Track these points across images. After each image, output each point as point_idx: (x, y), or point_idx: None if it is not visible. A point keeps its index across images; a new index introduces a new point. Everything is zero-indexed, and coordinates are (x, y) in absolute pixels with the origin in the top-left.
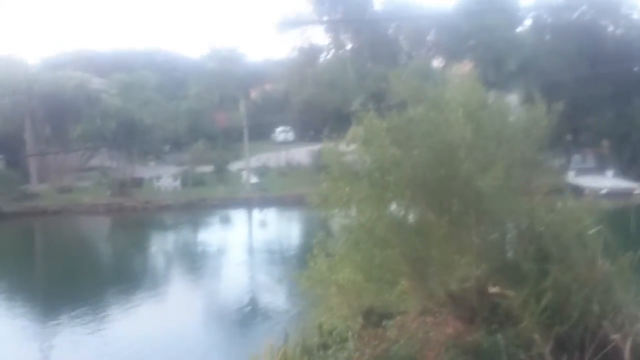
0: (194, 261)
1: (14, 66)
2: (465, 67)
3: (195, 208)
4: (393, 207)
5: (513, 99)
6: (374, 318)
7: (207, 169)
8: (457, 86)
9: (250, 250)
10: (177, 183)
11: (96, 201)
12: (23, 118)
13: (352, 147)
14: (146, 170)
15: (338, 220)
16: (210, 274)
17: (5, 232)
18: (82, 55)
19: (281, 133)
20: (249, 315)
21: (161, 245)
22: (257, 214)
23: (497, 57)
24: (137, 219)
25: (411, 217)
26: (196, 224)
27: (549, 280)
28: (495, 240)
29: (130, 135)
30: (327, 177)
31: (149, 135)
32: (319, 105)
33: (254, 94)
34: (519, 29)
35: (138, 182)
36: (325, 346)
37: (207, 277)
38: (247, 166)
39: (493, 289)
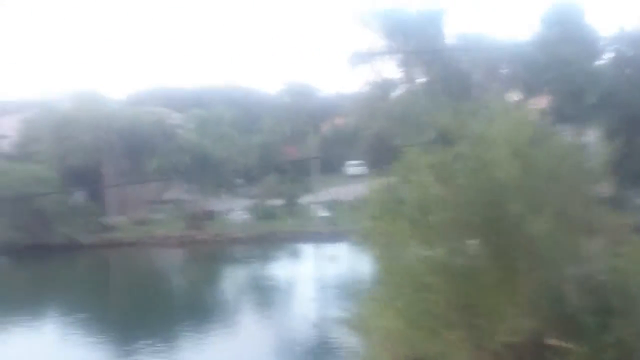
0: (263, 295)
1: (96, 102)
2: (541, 101)
3: (265, 241)
4: (437, 249)
5: (592, 133)
6: None
7: (278, 202)
8: (505, 121)
9: (319, 285)
10: (248, 216)
11: (169, 234)
12: (102, 152)
13: (395, 184)
14: (218, 203)
15: (380, 262)
16: (278, 309)
17: (83, 263)
18: (162, 92)
19: (352, 167)
20: (315, 352)
21: (231, 279)
22: (326, 248)
23: (576, 90)
24: (208, 252)
25: (458, 261)
26: (266, 258)
27: (611, 335)
28: (551, 288)
29: (203, 168)
30: (368, 215)
31: (222, 169)
32: (390, 139)
33: (325, 128)
34: (598, 62)
35: (210, 215)
36: None
37: (275, 311)
38: (317, 200)
39: (551, 341)
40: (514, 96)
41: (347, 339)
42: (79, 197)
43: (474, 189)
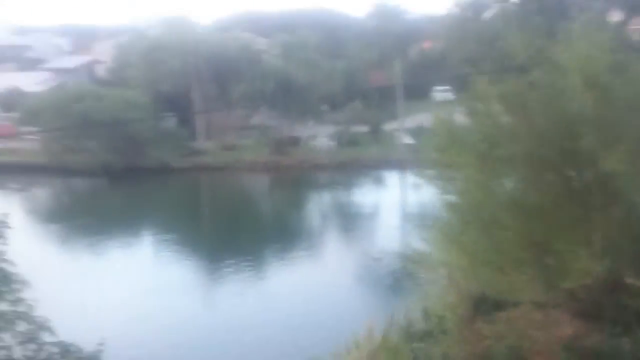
0: (346, 221)
1: (184, 28)
2: None
3: (348, 168)
4: (507, 184)
5: None
6: (485, 307)
7: (363, 128)
8: (582, 46)
9: (401, 213)
10: (333, 142)
11: (255, 159)
12: (190, 78)
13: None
14: (304, 130)
15: (445, 195)
16: (360, 235)
17: (174, 186)
18: (248, 17)
19: (440, 92)
20: (392, 282)
21: (315, 204)
22: (410, 176)
23: None
24: (293, 177)
25: (529, 197)
26: (349, 184)
27: None
28: (628, 226)
29: (288, 94)
30: (433, 147)
31: (307, 95)
32: (480, 64)
33: (412, 52)
34: None
35: (295, 141)
36: (428, 335)
37: (357, 237)
38: (402, 127)
39: (629, 281)
40: (615, 16)
41: (415, 272)
42: (169, 122)
43: (546, 121)
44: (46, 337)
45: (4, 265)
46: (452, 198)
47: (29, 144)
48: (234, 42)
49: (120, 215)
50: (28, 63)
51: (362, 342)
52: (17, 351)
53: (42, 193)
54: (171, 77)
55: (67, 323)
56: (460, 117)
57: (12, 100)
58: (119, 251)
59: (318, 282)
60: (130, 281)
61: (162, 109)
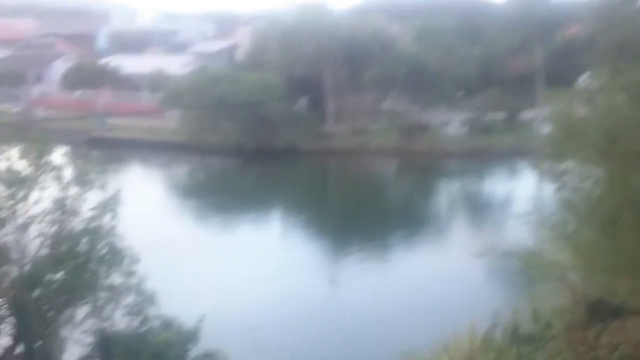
0: (472, 211)
1: (319, 13)
2: None
3: (480, 156)
4: (630, 180)
5: None
6: (600, 313)
7: (498, 116)
8: None
9: (535, 206)
10: (464, 130)
11: (384, 144)
12: (323, 62)
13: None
14: (435, 115)
15: (560, 191)
16: (489, 226)
17: (303, 169)
18: (383, 2)
19: (586, 80)
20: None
21: (442, 192)
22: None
23: None
24: (421, 164)
25: None
26: (479, 174)
27: None
28: None
29: (421, 80)
30: (550, 139)
31: (440, 80)
32: (633, 50)
33: (556, 38)
34: None
35: (425, 127)
36: (535, 339)
37: (485, 228)
38: (541, 115)
39: None
40: None
41: (527, 271)
42: (301, 105)
43: None
44: (152, 311)
45: (114, 240)
46: (568, 194)
47: (171, 124)
48: (367, 27)
49: (251, 194)
50: (174, 47)
51: (463, 340)
52: (123, 322)
53: (181, 170)
54: (305, 61)
55: (184, 298)
56: (581, 109)
57: (157, 82)
58: (247, 230)
59: (434, 271)
60: (256, 260)
61: (295, 92)
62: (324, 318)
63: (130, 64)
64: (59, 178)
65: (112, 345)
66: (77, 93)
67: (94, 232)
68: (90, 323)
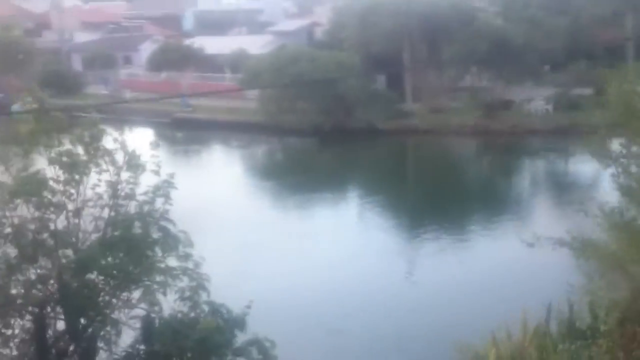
0: (557, 193)
1: None
2: None
3: (566, 134)
4: None
5: None
6: None
7: (586, 92)
8: None
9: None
10: (549, 106)
11: (464, 122)
12: (402, 39)
13: None
14: (519, 92)
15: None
16: (573, 209)
17: (380, 148)
18: None
19: None
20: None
21: (524, 172)
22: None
23: None
24: (503, 143)
25: None
26: (564, 152)
27: None
28: None
29: (504, 55)
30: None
31: (525, 55)
32: None
33: None
34: None
35: (507, 105)
36: (590, 334)
37: (568, 211)
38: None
39: None
40: None
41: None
42: (379, 83)
43: None
44: (204, 296)
45: (168, 224)
46: (627, 178)
47: (250, 104)
48: (447, 1)
49: (328, 174)
50: (258, 26)
51: (514, 333)
52: (175, 307)
53: (259, 150)
54: (383, 38)
55: (256, 281)
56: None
57: (239, 62)
58: (324, 210)
59: (509, 255)
60: (332, 241)
61: (373, 71)
62: (398, 299)
63: (213, 45)
64: (114, 162)
65: (158, 329)
66: (163, 74)
67: (147, 216)
68: (142, 307)
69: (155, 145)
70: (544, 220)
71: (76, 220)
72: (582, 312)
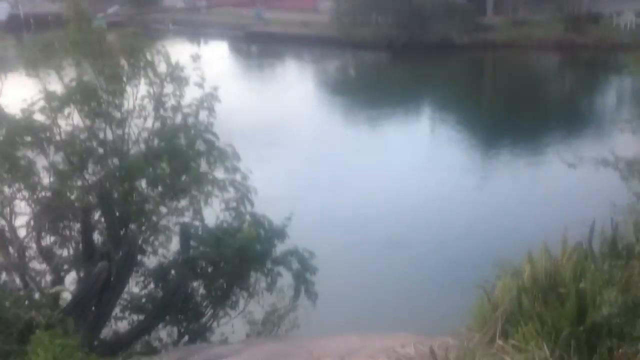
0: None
1: None
2: None
3: None
4: None
5: None
6: None
7: None
8: None
9: None
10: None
11: (547, 36)
12: None
13: None
14: (608, 4)
15: None
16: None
17: (456, 64)
18: None
19: None
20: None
21: (610, 90)
22: None
23: None
24: (586, 58)
25: None
26: None
27: None
28: None
29: None
30: None
31: None
32: None
33: None
34: None
35: (595, 18)
36: (630, 253)
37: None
38: None
39: None
40: None
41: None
42: None
43: None
44: (248, 207)
45: (213, 136)
46: None
47: (323, 17)
48: None
49: (401, 90)
50: None
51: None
52: (220, 216)
53: (331, 65)
54: None
55: (320, 194)
56: None
57: None
58: (395, 126)
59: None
60: (401, 158)
61: None
62: (461, 215)
63: None
64: (156, 73)
65: (201, 236)
66: None
67: (192, 128)
68: (185, 217)
69: (197, 57)
70: (622, 140)
71: (122, 130)
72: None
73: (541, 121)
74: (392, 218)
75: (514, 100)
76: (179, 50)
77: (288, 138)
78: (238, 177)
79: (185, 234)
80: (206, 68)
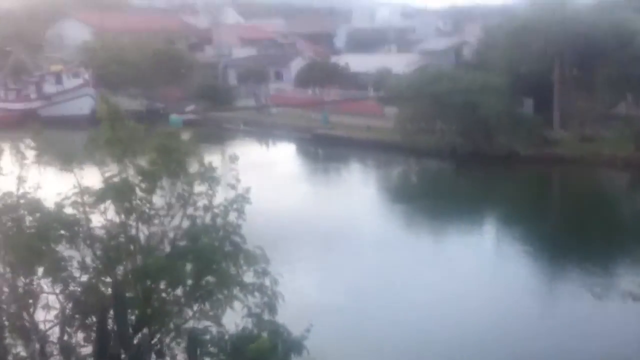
0: None
1: (556, 6)
2: None
3: None
4: None
5: None
6: None
7: None
8: None
9: None
10: None
11: (617, 154)
12: (553, 60)
13: None
14: None
15: None
16: None
17: (521, 177)
18: None
19: None
20: None
21: None
22: None
23: None
24: None
25: None
26: None
27: None
28: None
29: None
30: None
31: None
32: None
33: None
34: None
35: None
36: None
37: None
38: None
39: None
40: None
41: None
42: (525, 107)
43: None
44: (271, 315)
45: (241, 238)
46: None
47: (387, 123)
48: (605, 22)
49: (464, 200)
50: (407, 45)
51: None
52: (240, 323)
53: (394, 171)
54: (532, 60)
55: (377, 306)
56: None
57: (382, 81)
58: (457, 238)
59: None
60: (461, 273)
61: (520, 94)
62: (523, 340)
63: (359, 63)
64: (187, 172)
65: (217, 343)
66: (308, 90)
67: (221, 229)
68: (201, 320)
69: (234, 159)
70: None
71: (151, 228)
72: None
73: (610, 244)
74: (451, 334)
75: (581, 219)
76: (247, 151)
77: (351, 244)
78: (267, 281)
79: (194, 341)
80: (273, 168)
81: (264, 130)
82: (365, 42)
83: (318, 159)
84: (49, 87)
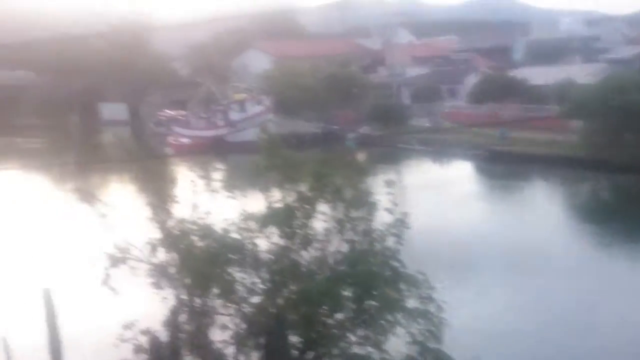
0: None
1: None
2: None
3: None
4: None
5: None
6: None
7: None
8: None
9: None
10: None
11: None
12: None
13: None
14: None
15: None
16: None
17: None
18: None
19: None
20: None
21: None
22: None
23: None
24: None
25: None
26: None
27: None
28: None
29: None
30: None
31: None
32: None
33: None
34: None
35: None
36: None
37: None
38: None
39: None
40: None
41: None
42: None
43: None
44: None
45: (396, 264)
46: None
47: (570, 137)
48: None
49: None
50: (591, 54)
51: None
52: (403, 350)
53: (583, 189)
54: None
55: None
56: None
57: (565, 93)
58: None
59: None
60: None
61: None
62: None
63: (539, 75)
64: (343, 198)
65: None
66: (484, 106)
67: (380, 254)
68: (364, 346)
69: (391, 183)
70: None
71: (312, 252)
72: None
73: None
74: None
75: None
76: (423, 170)
77: (537, 267)
78: (432, 308)
79: None
80: (450, 187)
81: (438, 149)
82: (546, 53)
83: (496, 177)
84: (234, 115)
